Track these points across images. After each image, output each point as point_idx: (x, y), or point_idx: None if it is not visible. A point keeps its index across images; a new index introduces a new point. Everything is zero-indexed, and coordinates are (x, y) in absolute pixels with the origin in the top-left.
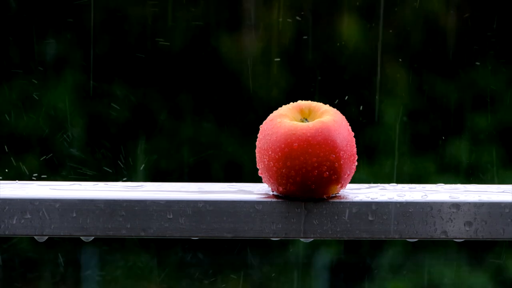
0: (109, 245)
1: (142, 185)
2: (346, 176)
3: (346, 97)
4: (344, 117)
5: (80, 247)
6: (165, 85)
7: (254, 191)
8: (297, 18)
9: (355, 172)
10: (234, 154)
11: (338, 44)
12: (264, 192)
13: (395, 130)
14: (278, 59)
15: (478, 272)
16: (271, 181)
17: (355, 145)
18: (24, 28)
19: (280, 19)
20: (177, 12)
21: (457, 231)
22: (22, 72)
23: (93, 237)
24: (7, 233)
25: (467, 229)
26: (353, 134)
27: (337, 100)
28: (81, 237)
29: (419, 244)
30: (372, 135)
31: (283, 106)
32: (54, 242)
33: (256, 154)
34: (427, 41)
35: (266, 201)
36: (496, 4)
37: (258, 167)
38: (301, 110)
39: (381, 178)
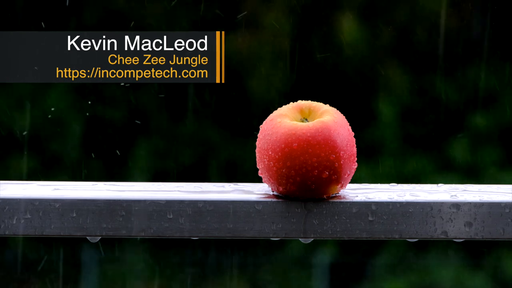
0: (109, 245)
1: (142, 185)
2: (346, 176)
3: (346, 97)
4: (344, 117)
5: (80, 247)
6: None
7: (254, 191)
8: (297, 17)
9: (355, 172)
10: (234, 154)
11: (338, 43)
12: (264, 192)
13: (395, 130)
14: (278, 59)
15: (478, 272)
16: (271, 181)
17: (355, 145)
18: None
19: (280, 19)
20: (176, 11)
21: (457, 231)
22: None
23: (99, 238)
24: (7, 233)
25: (467, 229)
26: (353, 134)
27: (337, 100)
28: (87, 237)
29: (419, 244)
30: (372, 135)
31: (283, 106)
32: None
33: (256, 154)
34: (427, 40)
35: (266, 201)
36: (496, 3)
37: (258, 167)
38: (301, 110)
39: (381, 178)
